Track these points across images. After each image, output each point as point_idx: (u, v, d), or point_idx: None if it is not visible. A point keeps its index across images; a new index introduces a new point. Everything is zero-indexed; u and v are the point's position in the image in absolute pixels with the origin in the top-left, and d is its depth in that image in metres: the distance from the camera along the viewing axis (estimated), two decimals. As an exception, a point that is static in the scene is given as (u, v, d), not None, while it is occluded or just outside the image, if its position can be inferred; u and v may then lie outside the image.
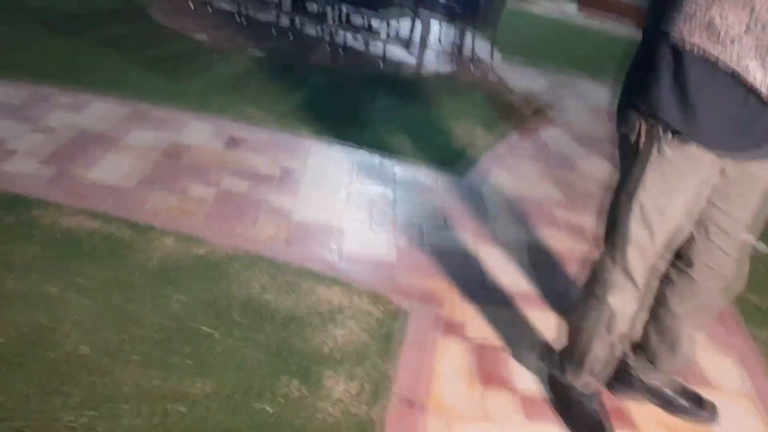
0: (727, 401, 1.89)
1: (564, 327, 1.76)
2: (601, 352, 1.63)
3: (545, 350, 1.94)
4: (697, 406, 1.82)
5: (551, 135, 4.17)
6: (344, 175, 3.02)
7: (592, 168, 3.64)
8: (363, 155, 3.28)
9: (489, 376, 1.84)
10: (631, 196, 1.42)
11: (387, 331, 1.93)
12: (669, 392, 1.81)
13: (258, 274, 2.09)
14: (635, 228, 1.43)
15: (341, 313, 1.97)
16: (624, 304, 1.54)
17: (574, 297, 1.72)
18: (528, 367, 1.91)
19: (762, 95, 1.23)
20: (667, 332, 1.68)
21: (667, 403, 1.81)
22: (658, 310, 1.65)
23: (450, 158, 3.45)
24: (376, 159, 3.27)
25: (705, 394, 1.89)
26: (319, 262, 2.25)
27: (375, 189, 2.92)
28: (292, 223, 2.49)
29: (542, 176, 3.43)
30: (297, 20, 5.71)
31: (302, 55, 5.18)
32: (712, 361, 2.09)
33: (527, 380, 1.86)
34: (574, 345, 1.69)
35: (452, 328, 2.02)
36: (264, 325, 1.86)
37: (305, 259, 2.25)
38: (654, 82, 1.31)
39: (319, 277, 2.14)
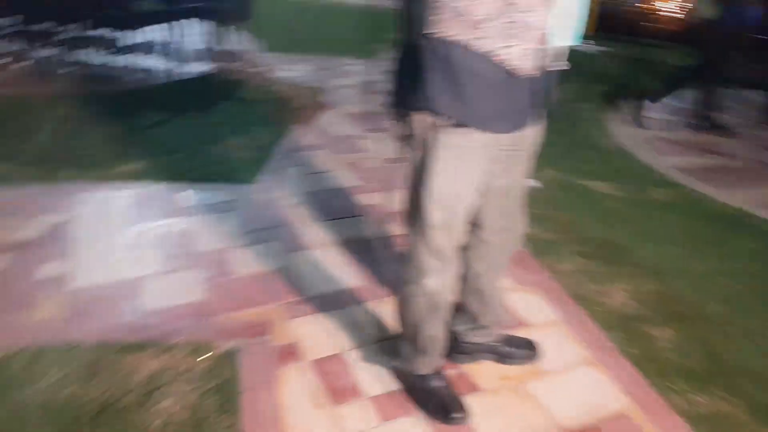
0: (544, 334, 2.08)
1: (394, 315, 1.77)
2: (433, 331, 1.68)
3: (384, 343, 1.95)
4: (524, 349, 1.97)
5: (329, 120, 4.20)
6: (123, 216, 2.70)
7: (375, 146, 3.74)
8: (139, 188, 2.97)
9: (338, 391, 1.79)
10: (425, 185, 1.47)
11: (219, 382, 1.76)
12: (497, 345, 1.93)
13: (47, 368, 1.76)
14: (436, 213, 1.49)
15: (162, 380, 1.75)
16: (442, 284, 1.60)
17: (396, 285, 1.73)
18: (374, 365, 1.89)
19: (514, 71, 1.32)
20: (476, 291, 1.79)
21: (499, 356, 1.94)
22: (464, 273, 1.74)
23: (235, 167, 3.28)
24: (155, 189, 2.98)
25: (525, 333, 2.06)
26: (120, 329, 1.97)
27: (163, 224, 2.66)
28: (75, 292, 2.15)
29: (333, 163, 3.43)
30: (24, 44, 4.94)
31: (40, 82, 4.51)
32: (522, 301, 2.27)
33: (376, 380, 1.84)
34: (407, 331, 1.72)
35: (288, 353, 1.92)
36: (73, 429, 1.58)
37: (101, 332, 1.95)
38: (421, 77, 1.34)
39: (124, 347, 1.87)
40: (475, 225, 1.66)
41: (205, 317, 2.06)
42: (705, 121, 4.56)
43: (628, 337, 2.10)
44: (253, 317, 2.07)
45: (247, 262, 2.40)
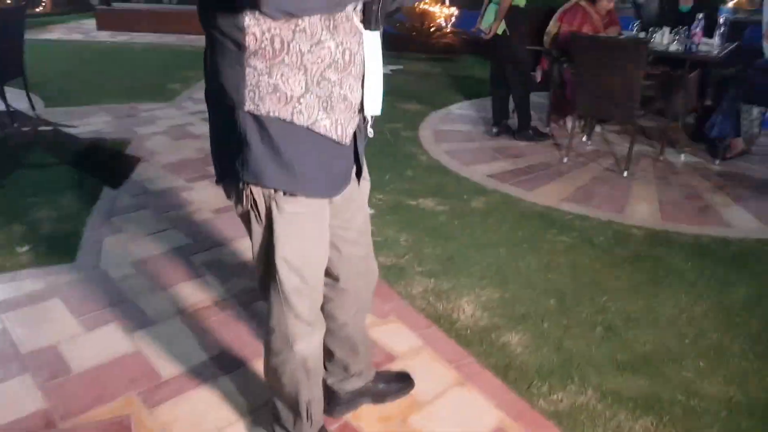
0: (411, 363, 2.16)
1: (268, 384, 1.72)
2: (311, 394, 1.67)
3: (261, 411, 1.88)
4: (397, 383, 2.03)
5: (145, 174, 3.93)
6: None
7: (202, 195, 3.58)
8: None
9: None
10: (273, 255, 1.46)
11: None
12: (372, 386, 1.97)
13: None
14: (291, 280, 1.48)
15: None
16: (310, 346, 1.60)
17: (265, 353, 1.68)
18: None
19: (335, 140, 1.38)
20: (344, 339, 1.82)
21: (376, 397, 1.97)
22: (328, 325, 1.74)
23: (46, 246, 2.93)
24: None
25: (392, 366, 2.13)
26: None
27: (-30, 328, 2.28)
28: None
29: (160, 222, 3.22)
30: None
31: None
32: (383, 334, 2.33)
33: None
34: (284, 399, 1.69)
35: (157, 449, 1.76)
36: None
37: None
38: (247, 153, 1.34)
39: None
40: (331, 277, 1.68)
41: (50, 428, 1.81)
42: (504, 126, 5.08)
43: (485, 348, 2.26)
44: (108, 415, 1.87)
45: (85, 354, 2.15)
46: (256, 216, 1.44)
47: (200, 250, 2.95)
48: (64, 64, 7.30)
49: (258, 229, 1.46)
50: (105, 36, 9.61)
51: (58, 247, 2.91)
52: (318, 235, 1.50)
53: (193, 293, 2.57)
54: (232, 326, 2.35)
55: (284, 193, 1.38)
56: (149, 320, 2.37)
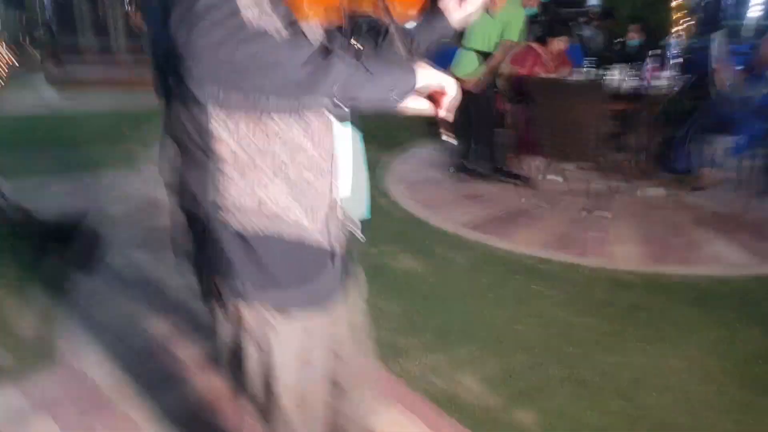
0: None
1: None
2: None
3: None
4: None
5: (113, 255, 3.73)
6: None
7: (176, 278, 3.37)
8: None
9: None
10: (272, 383, 1.34)
11: None
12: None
13: None
14: (292, 404, 1.37)
15: None
16: None
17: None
18: None
19: (323, 246, 1.30)
20: None
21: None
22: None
23: (22, 349, 2.70)
24: None
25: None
26: None
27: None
28: None
29: (140, 311, 3.03)
30: None
31: None
32: (386, 425, 2.13)
33: None
34: None
35: None
36: None
37: None
38: (228, 269, 1.25)
39: None
40: (333, 386, 1.55)
41: None
42: (461, 165, 5.09)
43: (496, 431, 2.16)
44: None
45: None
46: (246, 338, 1.32)
47: (185, 339, 2.78)
48: (17, 134, 7.02)
49: (252, 354, 1.34)
50: (60, 100, 9.36)
51: (30, 350, 2.70)
52: (317, 350, 1.39)
53: (182, 391, 2.41)
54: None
55: (277, 311, 1.28)
56: (137, 427, 2.20)
